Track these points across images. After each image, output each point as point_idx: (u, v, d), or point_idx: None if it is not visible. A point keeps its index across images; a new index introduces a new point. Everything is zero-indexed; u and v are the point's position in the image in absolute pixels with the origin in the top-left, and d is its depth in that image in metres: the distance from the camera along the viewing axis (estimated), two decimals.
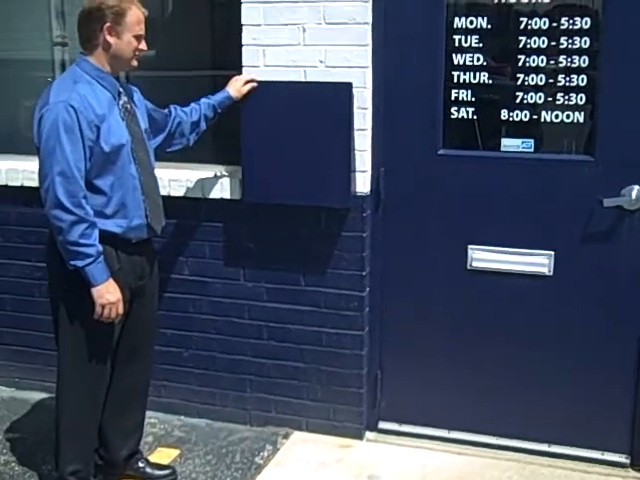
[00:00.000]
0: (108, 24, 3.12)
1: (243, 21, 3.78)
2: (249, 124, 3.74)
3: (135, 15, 3.17)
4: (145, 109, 3.46)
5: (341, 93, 3.61)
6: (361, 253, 3.89)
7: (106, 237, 3.17)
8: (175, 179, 4.01)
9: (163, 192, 3.63)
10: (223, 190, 3.95)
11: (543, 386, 3.86)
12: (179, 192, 4.00)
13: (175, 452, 4.00)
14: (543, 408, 3.88)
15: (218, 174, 3.92)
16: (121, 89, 3.27)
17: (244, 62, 3.82)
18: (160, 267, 3.77)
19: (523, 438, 3.95)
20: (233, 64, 3.87)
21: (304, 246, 3.92)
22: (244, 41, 3.80)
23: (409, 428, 4.11)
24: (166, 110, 3.60)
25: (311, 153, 3.71)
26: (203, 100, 3.65)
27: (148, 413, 3.90)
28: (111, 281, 3.18)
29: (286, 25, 3.73)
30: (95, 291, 3.14)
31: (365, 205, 3.84)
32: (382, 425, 4.15)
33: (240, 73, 3.83)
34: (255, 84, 3.69)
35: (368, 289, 3.96)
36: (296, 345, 4.08)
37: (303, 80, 3.74)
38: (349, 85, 3.59)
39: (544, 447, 3.93)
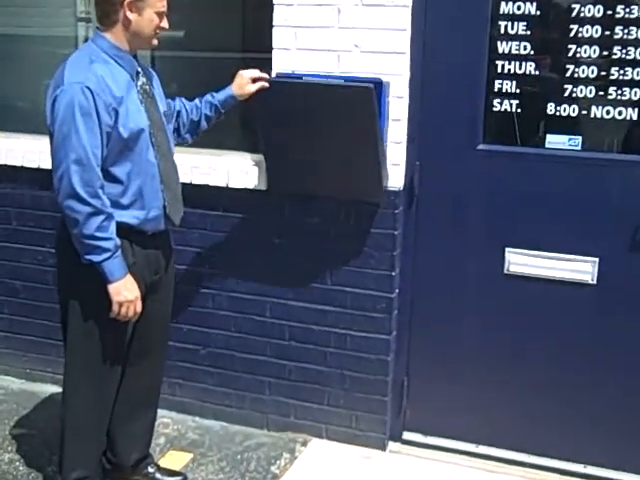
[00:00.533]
0: None
1: (274, 0, 3.55)
2: (266, 118, 3.53)
3: None
4: (161, 93, 3.23)
5: (363, 97, 3.32)
6: (391, 252, 3.66)
7: (121, 229, 2.95)
8: (197, 166, 3.80)
9: (184, 179, 3.43)
10: (249, 179, 3.73)
11: (580, 404, 3.61)
12: (201, 180, 3.79)
13: (188, 456, 3.79)
14: (580, 427, 3.63)
15: (244, 161, 3.65)
16: (139, 69, 3.05)
17: (274, 44, 3.61)
18: (178, 259, 3.61)
19: (557, 457, 3.70)
20: (264, 46, 3.64)
21: (331, 242, 3.70)
22: (275, 22, 3.59)
23: (434, 440, 3.88)
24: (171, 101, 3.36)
25: (338, 149, 3.48)
26: (206, 98, 3.37)
27: (161, 412, 3.74)
28: (129, 277, 2.96)
29: (320, 5, 3.51)
30: (112, 288, 2.93)
31: (398, 201, 3.61)
32: (406, 436, 3.92)
33: (270, 56, 3.60)
34: (265, 83, 3.37)
35: (397, 290, 3.74)
36: (319, 347, 3.87)
37: (334, 71, 3.54)
38: (370, 91, 3.29)
39: (579, 468, 3.69)
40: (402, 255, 3.71)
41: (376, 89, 3.35)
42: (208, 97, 3.37)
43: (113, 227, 2.91)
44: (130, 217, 2.99)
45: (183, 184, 3.32)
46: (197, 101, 3.37)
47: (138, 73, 3.03)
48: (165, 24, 3.02)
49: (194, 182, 3.79)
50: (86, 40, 4.10)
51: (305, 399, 3.96)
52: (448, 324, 3.73)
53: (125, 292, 2.94)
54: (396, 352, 3.82)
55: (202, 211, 3.88)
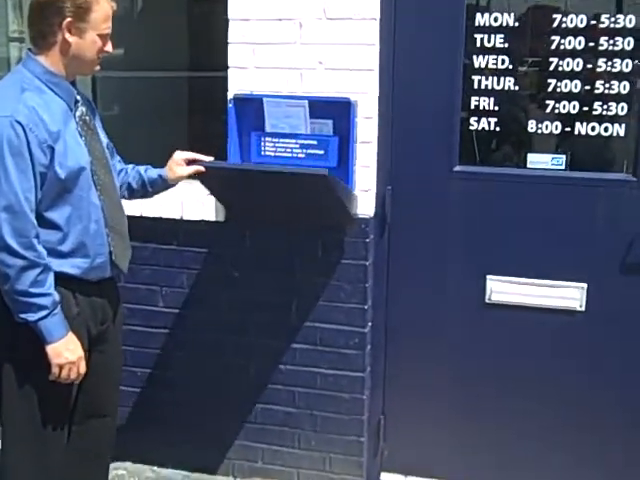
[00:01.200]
0: (69, 19, 2.53)
1: (230, 15, 3.27)
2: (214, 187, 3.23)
3: (103, 10, 2.59)
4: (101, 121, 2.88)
5: (319, 183, 2.97)
6: (363, 283, 3.39)
7: (62, 279, 2.62)
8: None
9: (133, 211, 3.13)
10: (205, 210, 3.42)
11: (570, 442, 3.39)
12: (153, 212, 3.47)
13: None
14: (568, 466, 3.41)
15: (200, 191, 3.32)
16: (78, 97, 2.69)
17: (230, 62, 3.32)
18: (129, 297, 3.34)
19: None
20: (217, 64, 3.33)
21: (297, 275, 3.42)
22: (230, 38, 3.29)
23: None
24: None
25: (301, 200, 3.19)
26: (138, 168, 3.00)
27: (115, 463, 3.47)
28: (70, 336, 2.62)
29: (280, 20, 3.23)
30: (51, 349, 2.58)
31: (368, 229, 3.34)
32: (384, 477, 3.68)
33: (226, 75, 3.29)
34: (200, 168, 2.96)
35: (370, 324, 3.47)
36: (287, 387, 3.59)
37: (296, 91, 3.26)
38: (325, 178, 2.92)
39: None
40: (374, 287, 3.45)
41: (344, 109, 3.15)
42: (140, 168, 3.00)
43: (50, 281, 2.56)
44: (71, 266, 2.64)
45: (132, 217, 3.01)
46: (129, 166, 3.01)
47: (77, 102, 2.68)
48: (109, 47, 2.66)
49: (145, 214, 3.47)
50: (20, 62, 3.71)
51: (274, 442, 3.68)
52: (425, 359, 3.49)
53: (66, 353, 2.60)
54: (371, 390, 3.56)
55: (155, 245, 3.57)
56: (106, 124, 2.93)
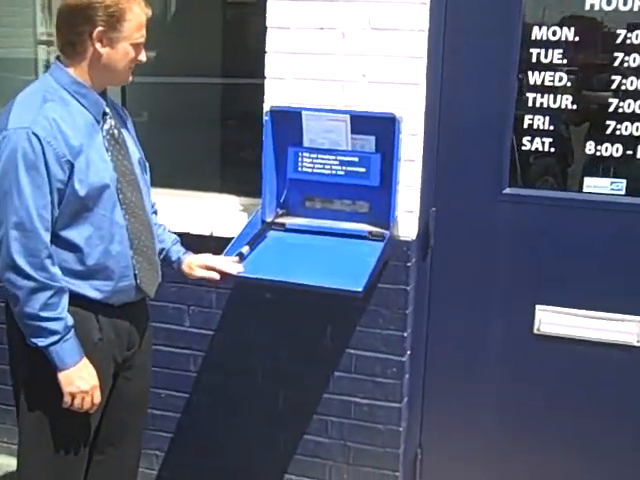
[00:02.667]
0: (100, 29, 2.35)
1: (268, 23, 3.08)
2: None
3: (136, 18, 2.40)
4: (138, 138, 2.71)
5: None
6: (403, 310, 3.19)
7: (82, 301, 2.45)
8: (174, 211, 3.31)
9: None
10: (236, 227, 3.22)
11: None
12: (180, 227, 3.26)
13: None
14: None
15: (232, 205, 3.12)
16: (107, 109, 2.50)
17: (267, 73, 3.13)
18: (157, 316, 3.14)
19: None
20: (254, 71, 3.15)
21: (334, 299, 3.18)
22: (268, 47, 3.10)
23: None
24: None
25: None
26: (168, 234, 2.87)
27: None
28: (84, 363, 2.45)
29: (322, 29, 3.03)
30: (62, 376, 2.41)
31: (410, 252, 3.15)
32: None
33: (261, 82, 3.10)
34: (215, 276, 2.82)
35: (409, 353, 3.28)
36: (319, 416, 3.40)
37: (337, 104, 3.07)
38: (358, 294, 2.75)
39: None
40: (414, 313, 3.25)
41: (388, 125, 2.94)
42: (166, 236, 2.86)
43: (64, 304, 2.39)
44: (91, 289, 2.47)
45: None
46: (163, 226, 2.88)
47: (105, 115, 2.49)
48: (143, 56, 2.48)
49: (172, 229, 3.25)
50: (47, 65, 3.54)
51: (304, 474, 3.48)
52: (467, 391, 3.28)
53: (78, 382, 2.43)
54: (408, 422, 3.36)
55: None
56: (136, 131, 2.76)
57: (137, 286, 2.57)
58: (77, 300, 2.44)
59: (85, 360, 2.45)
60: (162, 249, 2.80)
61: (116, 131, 2.52)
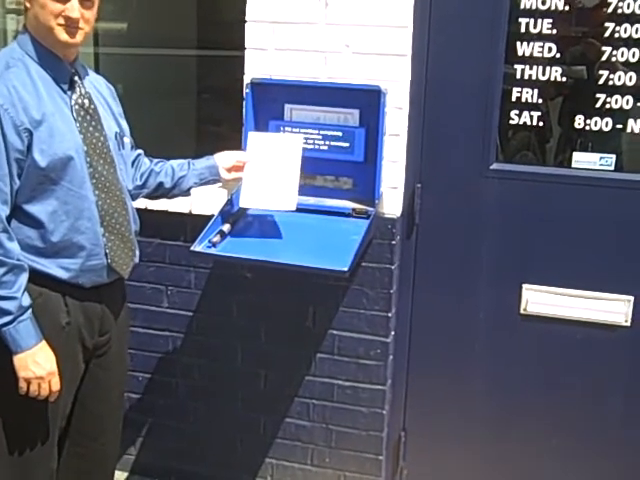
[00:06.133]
0: None
1: None
2: None
3: None
4: (117, 112, 2.58)
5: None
6: (388, 289, 3.10)
7: (49, 281, 2.33)
8: None
9: (137, 204, 2.77)
10: (216, 204, 3.11)
11: (611, 459, 3.12)
12: (158, 205, 3.16)
13: None
14: None
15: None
16: (77, 77, 2.39)
17: (248, 43, 3.03)
18: (134, 297, 3.06)
19: None
20: (232, 43, 3.04)
21: (315, 278, 3.11)
22: (248, 16, 2.99)
23: None
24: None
25: None
26: (172, 164, 2.77)
27: (116, 475, 3.09)
28: (41, 347, 2.31)
29: None
30: (17, 360, 2.29)
31: (395, 230, 3.06)
32: None
33: (239, 55, 2.99)
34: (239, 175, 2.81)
35: (393, 334, 3.19)
36: (301, 398, 3.32)
37: (319, 76, 2.97)
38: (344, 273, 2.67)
39: None
40: (399, 293, 3.16)
41: (372, 98, 2.86)
42: (174, 165, 2.77)
43: (20, 283, 2.26)
44: (58, 268, 2.35)
45: (138, 210, 2.72)
46: (161, 164, 2.77)
47: (74, 83, 2.37)
48: (72, 12, 2.26)
49: (150, 207, 3.16)
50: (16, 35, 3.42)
51: (284, 457, 3.40)
52: (452, 372, 3.21)
53: (33, 366, 2.30)
54: (392, 404, 3.28)
55: (160, 241, 3.29)
56: None
57: (109, 266, 2.45)
58: (43, 280, 2.33)
59: (43, 344, 2.32)
60: (178, 178, 2.74)
61: (86, 101, 2.39)
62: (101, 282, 2.45)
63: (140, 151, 2.75)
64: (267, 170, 2.76)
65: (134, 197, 2.69)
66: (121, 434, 2.84)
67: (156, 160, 2.77)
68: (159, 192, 2.77)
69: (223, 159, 2.79)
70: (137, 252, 2.59)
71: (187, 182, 2.76)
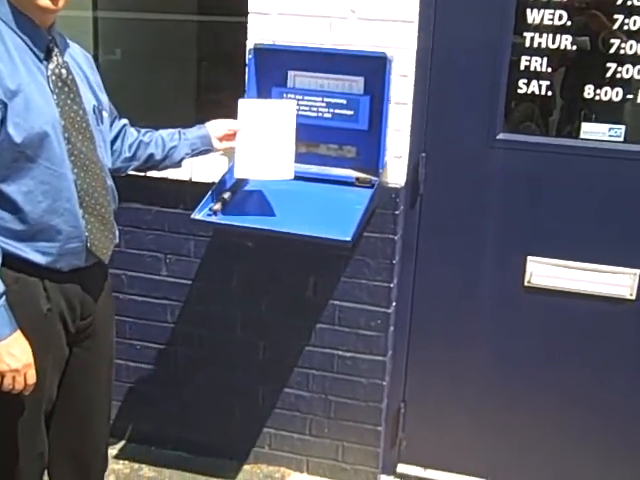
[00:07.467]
0: None
1: None
2: None
3: None
4: (95, 82, 2.43)
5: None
6: (390, 260, 3.06)
7: (26, 266, 2.21)
8: None
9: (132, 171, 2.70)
10: (217, 171, 3.06)
11: (615, 439, 3.08)
12: (157, 172, 3.07)
13: None
14: (609, 461, 3.13)
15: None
16: (54, 45, 2.23)
17: (250, 8, 2.95)
18: (132, 264, 3.11)
19: None
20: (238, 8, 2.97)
21: (317, 247, 3.05)
22: None
23: (434, 474, 3.35)
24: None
25: None
26: (161, 134, 2.66)
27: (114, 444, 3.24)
28: (16, 337, 2.16)
29: None
30: None
31: (398, 200, 3.01)
32: (402, 469, 3.37)
33: (240, 20, 2.92)
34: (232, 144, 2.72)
35: (395, 305, 3.15)
36: (300, 369, 3.29)
37: (324, 42, 2.90)
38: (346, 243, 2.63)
39: None
40: (402, 264, 3.12)
41: (378, 65, 2.80)
42: (164, 135, 2.66)
43: None
44: (35, 253, 2.21)
45: (134, 176, 2.71)
46: (150, 134, 2.66)
47: (50, 51, 2.22)
48: None
49: (148, 174, 3.09)
50: None
51: (282, 427, 3.38)
52: (453, 344, 3.17)
53: (8, 358, 2.14)
54: (392, 375, 3.25)
55: (158, 209, 3.24)
56: (106, 69, 2.56)
57: (88, 249, 2.31)
58: (20, 265, 2.19)
59: (18, 334, 2.17)
60: (168, 149, 2.65)
61: (64, 71, 2.23)
62: (79, 265, 2.32)
63: (125, 121, 2.62)
64: (261, 138, 2.66)
65: (123, 170, 2.60)
66: (116, 401, 2.77)
67: (144, 130, 2.65)
68: (149, 164, 2.66)
69: (215, 128, 2.69)
70: (117, 233, 2.46)
71: (179, 153, 2.66)
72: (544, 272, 3.00)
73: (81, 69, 2.36)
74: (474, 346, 3.14)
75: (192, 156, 2.71)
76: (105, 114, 2.42)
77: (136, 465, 3.41)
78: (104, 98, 2.45)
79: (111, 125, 2.52)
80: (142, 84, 3.50)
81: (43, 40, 2.19)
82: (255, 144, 2.65)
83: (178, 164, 2.71)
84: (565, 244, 2.97)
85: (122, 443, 3.52)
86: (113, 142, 2.55)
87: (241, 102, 2.68)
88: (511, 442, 3.21)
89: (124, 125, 2.61)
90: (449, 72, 2.91)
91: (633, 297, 2.95)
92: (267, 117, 2.65)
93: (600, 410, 3.08)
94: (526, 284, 3.03)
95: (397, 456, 3.36)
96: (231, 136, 2.70)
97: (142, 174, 2.90)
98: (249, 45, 2.92)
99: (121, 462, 3.41)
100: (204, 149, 2.71)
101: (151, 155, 2.63)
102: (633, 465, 3.10)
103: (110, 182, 2.41)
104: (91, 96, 2.35)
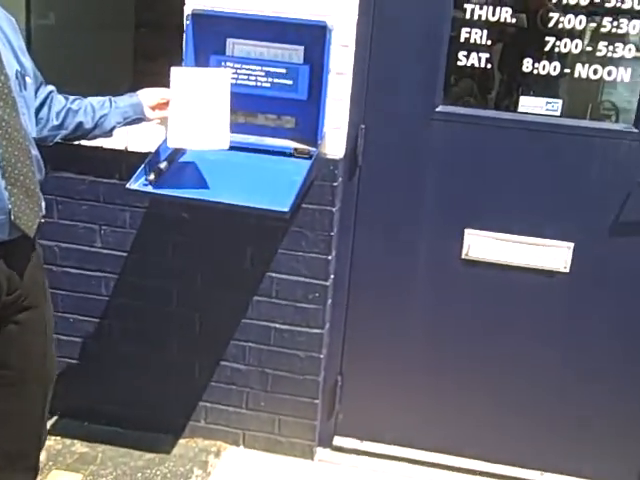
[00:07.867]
0: None
1: None
2: None
3: None
4: (18, 47, 2.32)
5: None
6: (328, 232, 3.06)
7: None
8: None
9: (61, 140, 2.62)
10: (154, 141, 2.99)
11: (542, 406, 3.16)
12: (93, 140, 3.00)
13: (76, 478, 3.09)
14: (540, 430, 3.19)
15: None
16: None
17: None
18: (65, 236, 3.05)
19: (511, 464, 3.26)
20: None
21: (254, 219, 3.04)
22: None
23: (371, 446, 3.37)
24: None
25: None
26: (91, 101, 2.57)
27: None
28: None
29: None
30: None
31: (337, 171, 2.99)
32: (338, 441, 3.38)
33: None
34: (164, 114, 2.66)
35: (332, 277, 3.14)
36: (237, 342, 3.26)
37: (264, 10, 2.86)
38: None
39: (536, 476, 3.26)
40: (339, 236, 3.11)
41: (318, 34, 2.77)
42: (93, 102, 2.57)
43: None
44: None
45: (67, 145, 2.62)
46: (78, 101, 2.57)
47: None
48: None
49: (83, 143, 3.01)
50: None
51: (218, 401, 3.35)
52: (391, 317, 3.18)
53: None
54: (329, 348, 3.25)
55: (93, 178, 3.16)
56: (40, 34, 2.47)
57: (11, 222, 2.23)
58: None
59: None
60: (98, 117, 2.56)
61: None
62: (3, 239, 2.23)
63: (52, 88, 2.53)
64: (194, 107, 2.60)
65: (50, 139, 2.50)
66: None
67: (72, 97, 2.56)
68: (78, 133, 2.57)
69: (147, 96, 2.63)
70: (43, 205, 2.37)
71: (109, 121, 2.59)
72: (481, 245, 3.02)
73: (3, 32, 2.26)
74: (411, 319, 3.15)
75: (123, 125, 2.64)
76: (29, 80, 2.33)
77: (68, 441, 3.35)
78: (28, 63, 2.35)
79: (36, 92, 2.42)
80: (77, 50, 3.40)
81: None
82: (188, 113, 2.60)
83: (109, 133, 2.63)
84: (502, 217, 2.99)
85: (54, 419, 3.44)
86: (39, 110, 2.45)
87: (174, 70, 2.62)
88: (446, 413, 3.23)
89: (50, 92, 2.51)
90: (390, 43, 2.89)
91: (567, 270, 2.99)
92: (200, 86, 2.60)
93: (534, 379, 3.11)
94: (464, 257, 3.05)
95: (334, 429, 3.36)
96: (164, 105, 2.64)
97: (76, 143, 2.82)
98: (186, 11, 2.85)
99: (52, 438, 3.34)
100: (136, 118, 2.64)
101: (80, 123, 2.55)
102: (566, 430, 3.15)
103: (35, 152, 2.32)
104: (14, 61, 2.26)
